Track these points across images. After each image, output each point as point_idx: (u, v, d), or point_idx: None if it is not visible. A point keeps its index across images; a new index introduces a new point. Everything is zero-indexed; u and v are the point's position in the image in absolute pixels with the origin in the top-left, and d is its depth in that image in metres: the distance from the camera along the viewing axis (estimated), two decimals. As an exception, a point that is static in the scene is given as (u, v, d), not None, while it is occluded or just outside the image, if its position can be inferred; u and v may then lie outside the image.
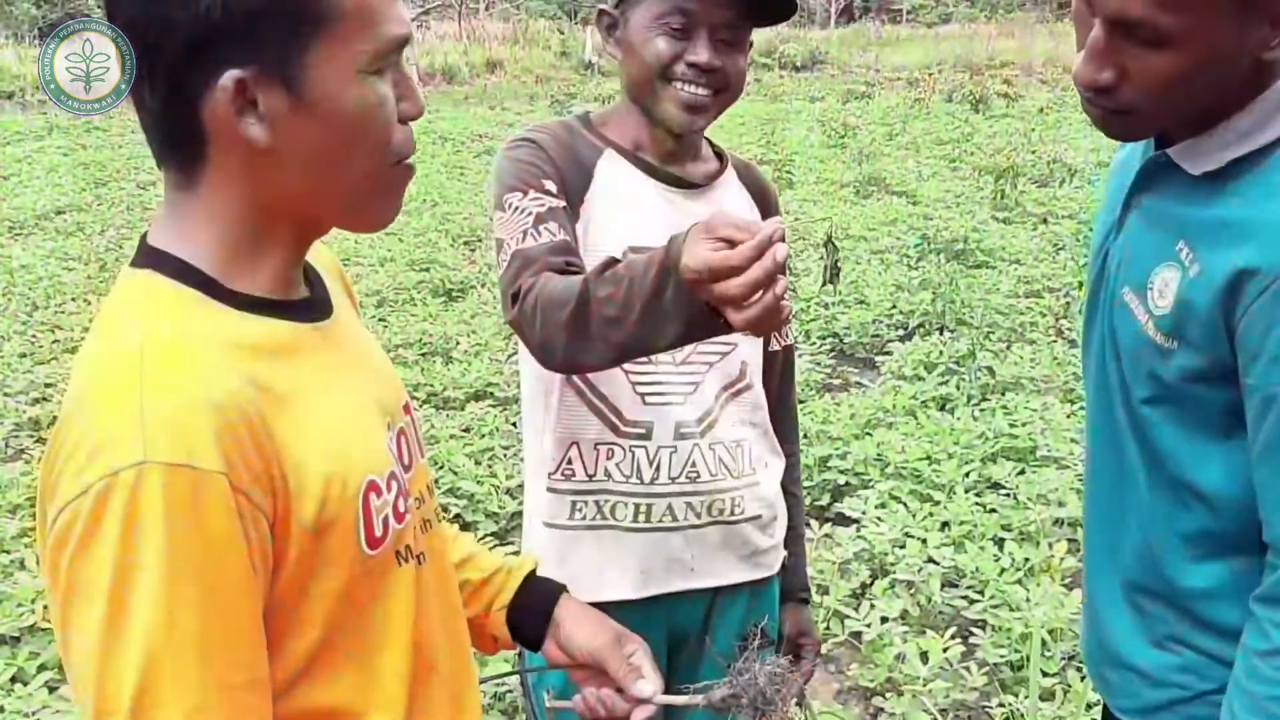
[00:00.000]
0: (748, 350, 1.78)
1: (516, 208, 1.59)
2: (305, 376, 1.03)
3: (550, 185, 1.63)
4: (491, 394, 5.54)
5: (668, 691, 1.30)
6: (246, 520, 0.92)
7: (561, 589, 1.38)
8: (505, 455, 4.71)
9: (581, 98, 20.62)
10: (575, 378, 1.68)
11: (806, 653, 1.92)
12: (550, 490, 1.70)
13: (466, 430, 5.03)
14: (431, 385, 5.59)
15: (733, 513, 1.73)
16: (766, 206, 1.82)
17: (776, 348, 1.87)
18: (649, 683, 1.28)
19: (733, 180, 1.80)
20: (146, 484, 0.88)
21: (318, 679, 1.03)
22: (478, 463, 4.61)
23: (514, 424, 5.16)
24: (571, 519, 1.70)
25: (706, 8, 1.60)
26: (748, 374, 1.78)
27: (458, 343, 6.37)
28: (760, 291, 1.12)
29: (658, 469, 1.69)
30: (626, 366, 1.65)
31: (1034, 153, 11.51)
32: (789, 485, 1.88)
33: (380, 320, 6.93)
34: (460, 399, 5.49)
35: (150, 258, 1.02)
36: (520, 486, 4.43)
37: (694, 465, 1.70)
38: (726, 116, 10.87)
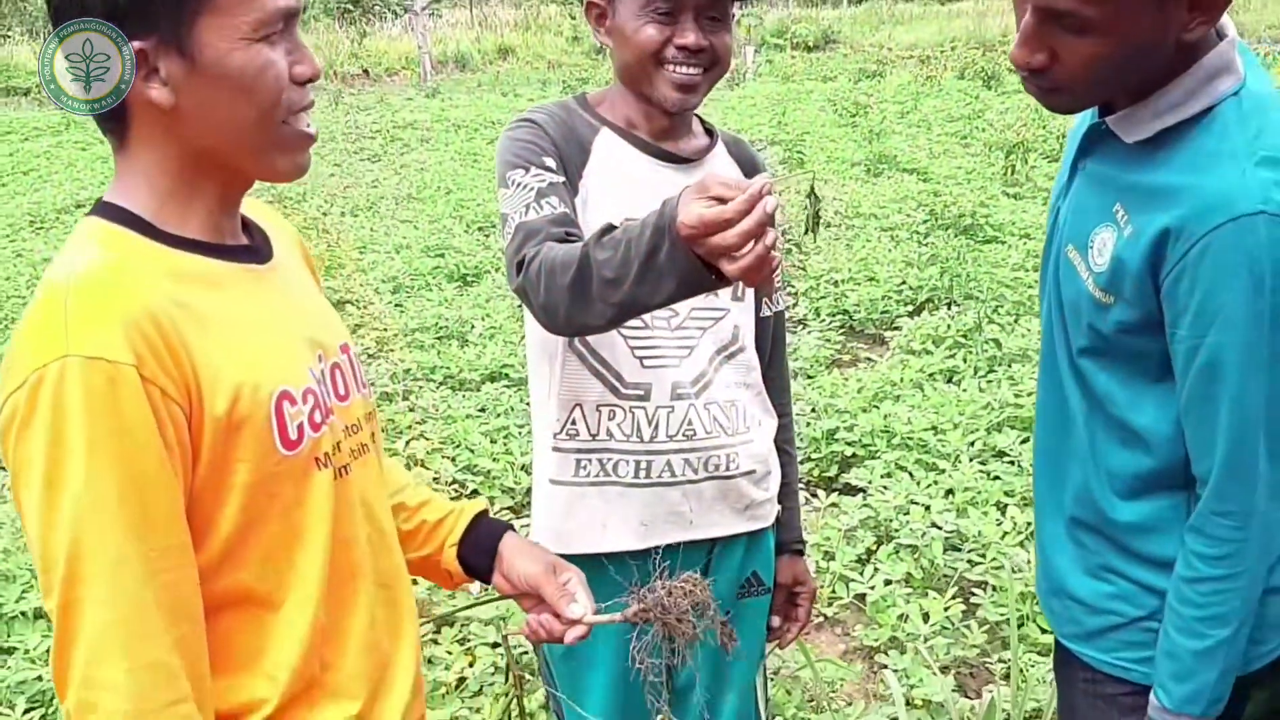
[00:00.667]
0: (740, 315, 1.88)
1: (519, 184, 1.70)
2: (227, 303, 1.19)
3: (550, 162, 1.73)
4: (506, 375, 5.65)
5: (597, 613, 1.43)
6: (159, 406, 1.09)
7: (508, 527, 1.53)
8: (520, 433, 4.82)
9: (594, 82, 20.64)
10: (577, 343, 1.78)
11: (801, 599, 2.03)
12: (555, 449, 1.81)
13: (482, 410, 5.15)
14: (448, 368, 5.71)
15: (728, 468, 1.83)
16: (755, 175, 1.91)
17: (768, 313, 1.97)
18: (579, 605, 1.41)
19: (723, 154, 1.90)
20: (68, 375, 1.06)
21: (239, 564, 1.18)
22: (493, 441, 4.72)
23: (527, 403, 5.26)
24: (576, 476, 1.81)
25: None
26: (740, 338, 1.88)
27: (473, 326, 6.48)
28: (752, 242, 1.23)
29: (656, 428, 1.80)
30: (625, 332, 1.76)
31: (1044, 127, 11.50)
32: (782, 444, 1.98)
33: (397, 305, 7.05)
34: (476, 380, 5.60)
35: (99, 208, 1.20)
36: (535, 462, 4.57)
37: (690, 424, 1.80)
38: (737, 98, 11.05)
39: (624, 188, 1.78)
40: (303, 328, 1.28)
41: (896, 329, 6.20)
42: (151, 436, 1.08)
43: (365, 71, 29.73)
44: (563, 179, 1.73)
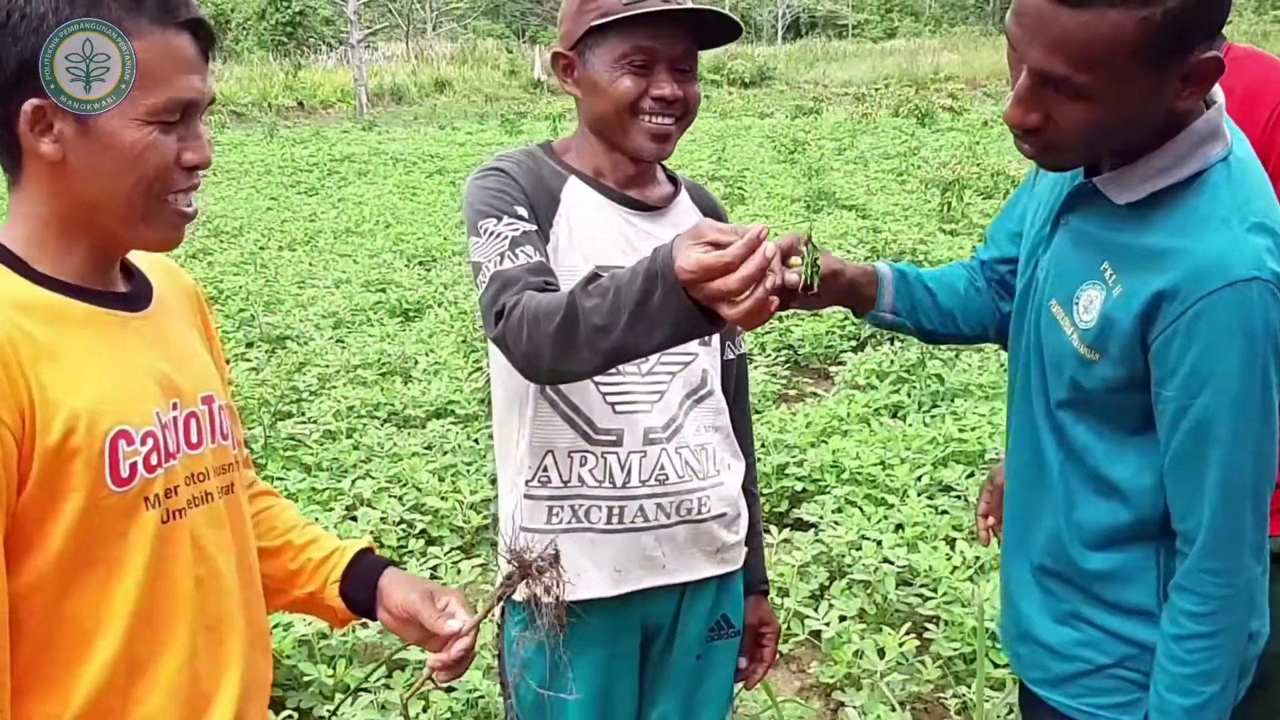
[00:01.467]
0: (707, 360, 1.89)
1: (492, 233, 1.69)
2: (80, 341, 1.25)
3: (522, 210, 1.73)
4: (452, 411, 5.61)
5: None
6: None
7: (390, 563, 1.56)
8: (468, 471, 4.79)
9: (531, 116, 20.73)
10: (548, 390, 1.77)
11: (766, 639, 2.04)
12: (527, 497, 1.79)
13: (429, 448, 5.10)
14: (392, 404, 5.65)
15: (700, 511, 1.83)
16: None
17: (731, 356, 1.97)
18: (456, 620, 1.46)
19: (686, 202, 1.91)
20: None
21: (55, 588, 1.21)
22: (440, 479, 4.67)
23: (475, 440, 5.23)
24: (549, 523, 1.79)
25: (665, 44, 1.72)
26: (709, 381, 1.88)
27: (416, 361, 6.44)
28: (752, 286, 1.24)
29: (629, 473, 1.79)
30: (597, 378, 1.75)
31: (979, 165, 11.75)
32: (747, 485, 1.98)
33: (338, 341, 6.98)
34: (421, 417, 5.55)
35: None
36: (484, 501, 4.53)
37: (662, 468, 1.80)
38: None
39: (594, 236, 1.78)
40: (158, 375, 1.32)
41: (841, 364, 6.27)
42: None
43: (300, 104, 29.56)
44: (535, 227, 1.73)
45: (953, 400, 5.43)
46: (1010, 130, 1.44)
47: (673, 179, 1.92)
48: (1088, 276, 1.46)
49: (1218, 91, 1.43)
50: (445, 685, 1.50)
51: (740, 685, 2.06)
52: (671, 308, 1.31)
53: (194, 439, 1.34)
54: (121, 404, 1.25)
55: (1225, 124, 1.42)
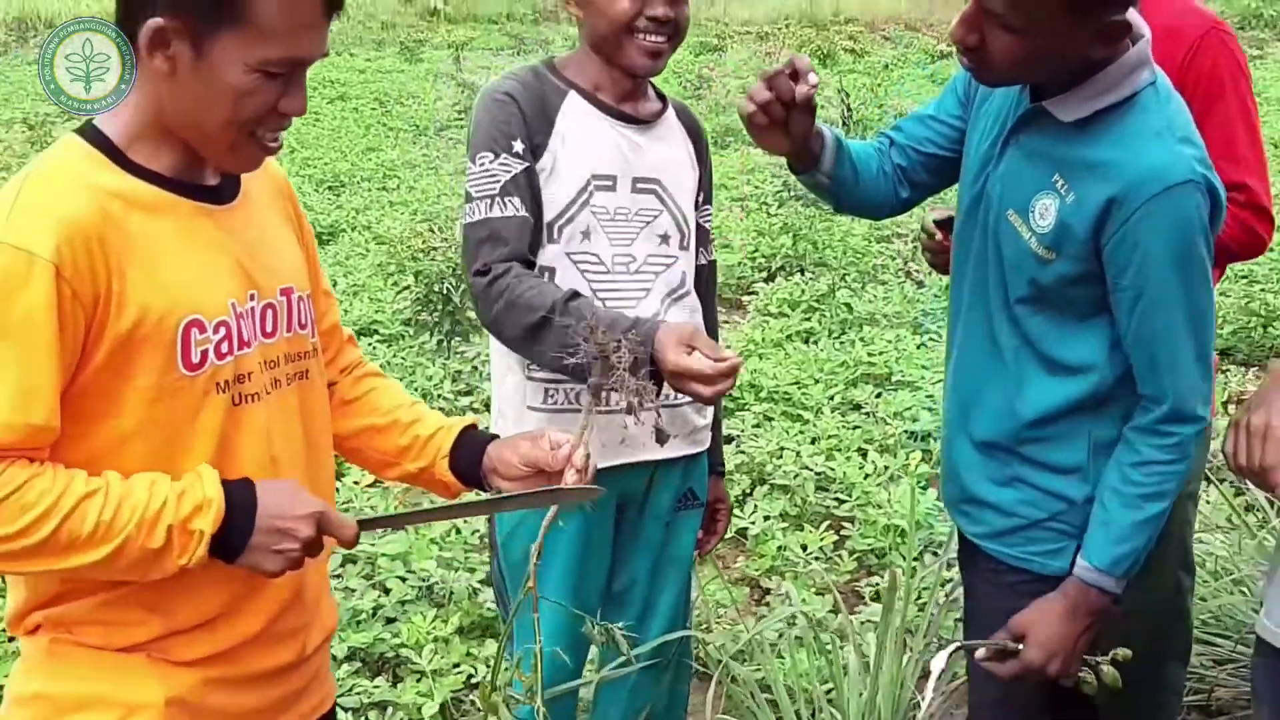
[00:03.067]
0: (685, 263, 2.10)
1: (486, 169, 1.93)
2: (164, 231, 1.35)
3: (518, 145, 1.95)
4: (376, 331, 5.73)
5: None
6: (65, 307, 1.25)
7: (491, 438, 1.66)
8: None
9: (430, 45, 20.43)
10: None
11: (721, 514, 2.32)
12: (529, 379, 2.02)
13: (359, 364, 5.21)
14: (316, 324, 5.72)
15: (675, 397, 2.06)
16: (699, 142, 2.16)
17: (704, 261, 2.20)
18: (564, 447, 1.56)
19: (673, 119, 2.13)
20: None
21: (127, 457, 1.33)
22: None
23: (403, 358, 5.37)
24: (545, 403, 2.02)
25: None
26: (686, 282, 2.10)
27: (335, 283, 6.50)
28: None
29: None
30: (589, 277, 1.99)
31: (880, 106, 12.07)
32: None
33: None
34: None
35: (84, 127, 1.38)
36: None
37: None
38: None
39: (589, 148, 2.00)
40: (237, 266, 1.42)
41: (753, 294, 6.54)
42: (51, 331, 1.24)
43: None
44: (527, 164, 1.94)
45: (861, 328, 5.74)
46: (954, 45, 1.67)
47: (661, 96, 2.12)
48: (1041, 187, 1.71)
49: (1144, 26, 1.69)
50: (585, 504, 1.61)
51: (696, 554, 2.31)
52: (630, 369, 1.52)
53: (269, 328, 1.45)
54: (197, 294, 1.35)
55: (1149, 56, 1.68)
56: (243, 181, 1.48)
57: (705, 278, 2.21)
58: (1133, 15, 1.64)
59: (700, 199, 2.15)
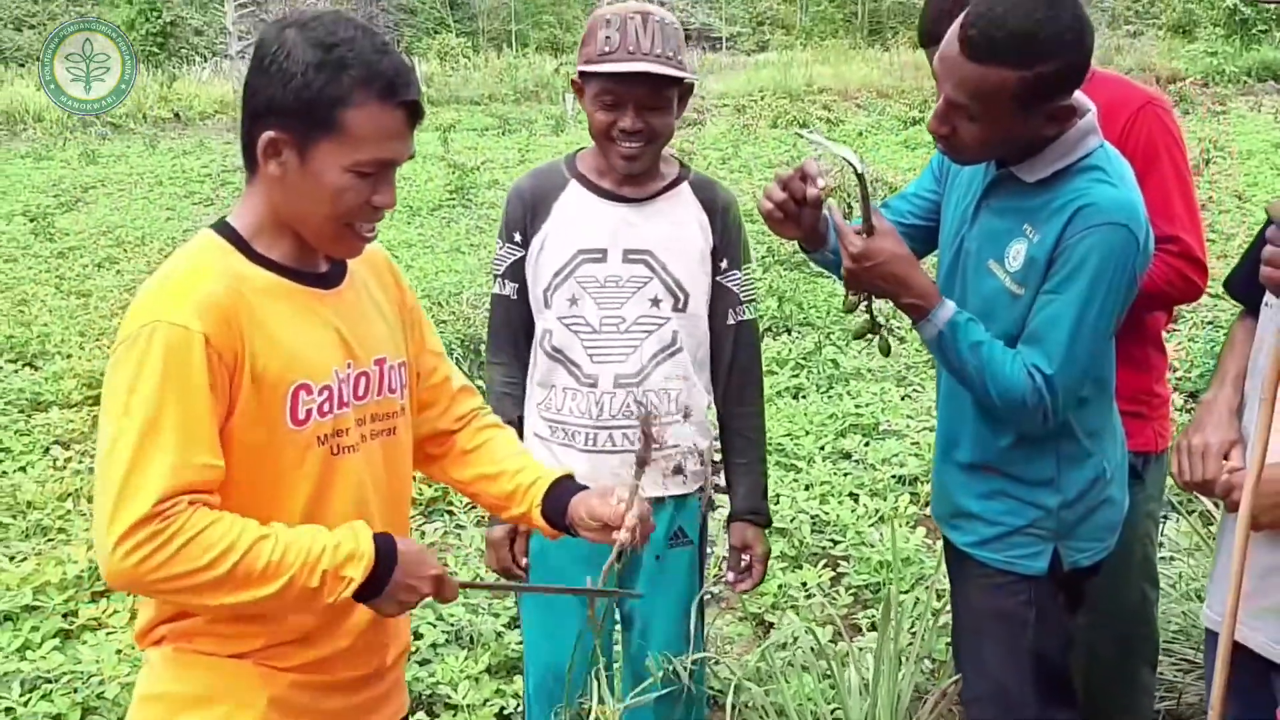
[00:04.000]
0: (679, 323, 2.37)
1: (498, 253, 2.44)
2: (280, 310, 1.61)
3: (517, 236, 2.39)
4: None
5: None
6: (215, 368, 1.51)
7: (580, 488, 1.89)
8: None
9: (418, 127, 20.91)
10: (546, 343, 2.36)
11: (752, 559, 2.50)
12: (540, 418, 2.38)
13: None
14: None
15: (659, 442, 2.32)
16: (714, 217, 2.40)
17: (732, 322, 2.44)
18: (616, 501, 1.81)
19: (685, 193, 2.41)
20: (158, 333, 1.50)
21: (246, 503, 1.56)
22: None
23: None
24: (550, 437, 2.37)
25: (627, 89, 2.22)
26: (678, 340, 2.37)
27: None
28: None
29: (602, 409, 2.33)
30: (581, 336, 2.32)
31: (850, 178, 12.47)
32: (746, 431, 2.48)
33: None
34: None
35: (218, 223, 1.67)
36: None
37: (629, 406, 2.32)
38: (564, 144, 11.79)
39: (579, 227, 2.35)
40: (339, 340, 1.67)
41: (743, 353, 6.81)
42: (205, 388, 1.51)
43: (176, 115, 29.12)
44: (523, 253, 2.38)
45: (847, 382, 6.03)
46: (930, 134, 1.98)
47: (683, 169, 2.43)
48: (1013, 237, 2.00)
49: (1088, 103, 2.00)
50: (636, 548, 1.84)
51: (727, 586, 2.52)
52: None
53: (361, 392, 1.70)
54: (306, 363, 1.61)
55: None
56: (349, 267, 1.75)
57: (736, 338, 2.44)
58: (1077, 96, 1.96)
59: (724, 264, 2.42)
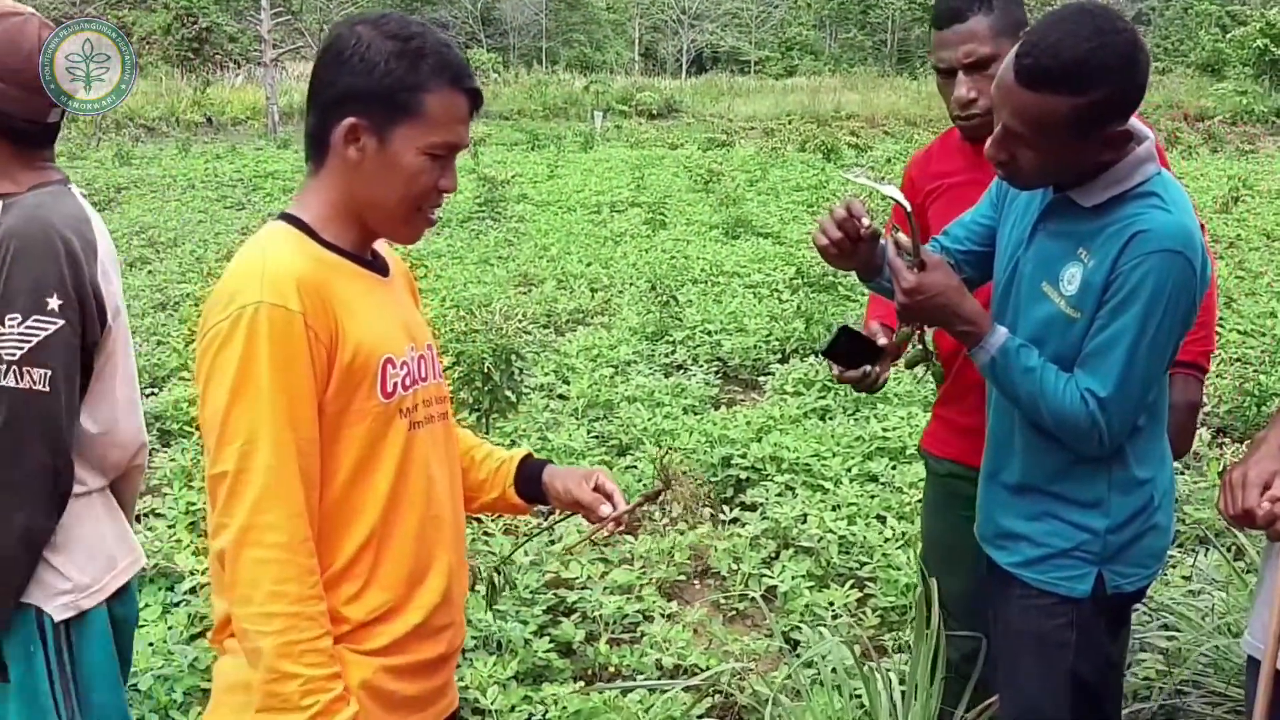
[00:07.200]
0: None
1: None
2: (357, 289, 1.69)
3: None
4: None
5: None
6: (313, 345, 1.59)
7: (545, 463, 2.01)
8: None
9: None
10: None
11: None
12: None
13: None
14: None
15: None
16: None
17: None
18: (607, 507, 1.91)
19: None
20: (261, 314, 1.57)
21: (346, 478, 1.66)
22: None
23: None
24: None
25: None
26: None
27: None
28: None
29: None
30: None
31: (885, 200, 12.49)
32: None
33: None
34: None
35: (282, 215, 1.73)
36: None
37: None
38: (593, 160, 11.91)
39: None
40: (403, 323, 1.77)
41: (769, 374, 6.84)
42: (308, 366, 1.59)
43: (209, 120, 29.39)
44: None
45: (874, 405, 6.02)
46: (989, 160, 2.01)
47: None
48: (1068, 260, 2.02)
49: (1145, 130, 2.02)
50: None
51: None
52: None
53: (422, 373, 1.78)
54: (387, 338, 1.69)
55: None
56: (389, 263, 1.83)
57: None
58: (1133, 123, 1.97)
59: None
